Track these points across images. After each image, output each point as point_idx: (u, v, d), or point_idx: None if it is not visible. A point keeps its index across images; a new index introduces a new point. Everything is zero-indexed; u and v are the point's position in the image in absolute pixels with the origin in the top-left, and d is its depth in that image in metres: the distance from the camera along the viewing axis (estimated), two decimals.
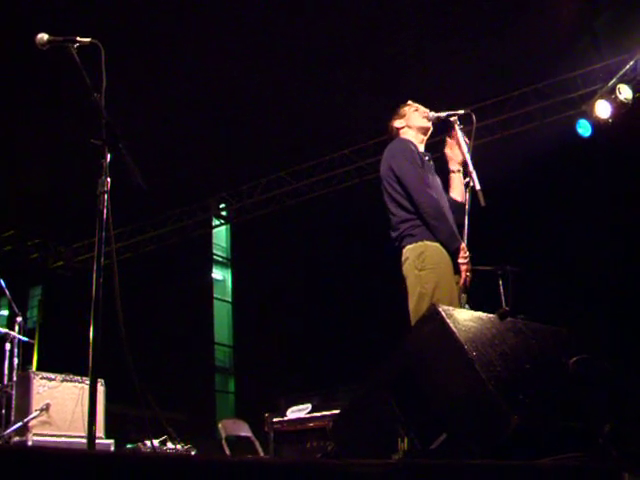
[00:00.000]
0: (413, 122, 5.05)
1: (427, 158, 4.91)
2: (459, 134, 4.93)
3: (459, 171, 5.05)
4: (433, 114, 5.03)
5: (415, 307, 4.39)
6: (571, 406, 3.29)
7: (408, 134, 5.02)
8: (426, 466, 1.86)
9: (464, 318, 3.32)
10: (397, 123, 5.08)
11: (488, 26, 9.19)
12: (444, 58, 9.63)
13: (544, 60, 9.70)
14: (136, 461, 1.28)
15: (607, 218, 9.84)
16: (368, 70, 9.45)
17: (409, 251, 4.56)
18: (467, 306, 7.54)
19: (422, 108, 5.09)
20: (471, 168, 4.73)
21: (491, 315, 3.60)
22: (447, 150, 5.08)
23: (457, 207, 4.90)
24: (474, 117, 4.84)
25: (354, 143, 11.58)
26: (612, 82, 9.13)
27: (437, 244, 4.49)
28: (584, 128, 9.67)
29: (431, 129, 5.09)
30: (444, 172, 5.10)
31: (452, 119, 4.98)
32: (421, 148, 4.99)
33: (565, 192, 10.10)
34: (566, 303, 9.43)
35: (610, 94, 9.19)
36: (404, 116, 5.08)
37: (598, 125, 9.44)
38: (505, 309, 3.67)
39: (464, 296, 4.52)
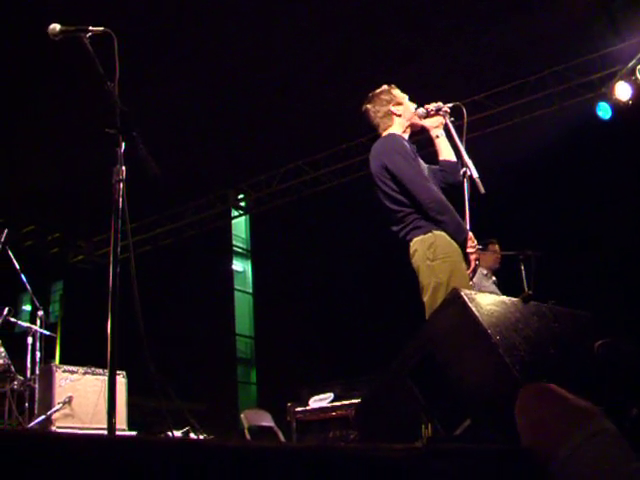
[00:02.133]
0: (409, 117, 4.98)
1: (413, 153, 4.85)
2: (450, 127, 4.90)
3: (441, 135, 4.98)
4: (422, 110, 4.97)
5: (430, 298, 4.34)
6: (596, 390, 3.24)
7: (398, 127, 4.91)
8: (451, 451, 1.82)
9: (487, 302, 3.28)
10: (396, 109, 4.93)
11: (505, 9, 9.10)
12: (462, 42, 9.56)
13: (562, 43, 9.61)
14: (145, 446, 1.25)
15: (628, 200, 9.75)
16: (385, 55, 9.40)
17: (417, 243, 4.50)
18: (494, 286, 7.50)
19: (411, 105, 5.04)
20: (466, 158, 4.69)
21: (514, 299, 3.55)
22: (423, 121, 5.01)
23: (450, 166, 4.88)
24: (464, 109, 4.81)
25: (371, 131, 11.50)
26: (632, 64, 9.04)
27: (445, 233, 4.45)
28: (604, 111, 9.58)
29: (419, 126, 5.04)
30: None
31: (441, 113, 4.93)
32: (406, 137, 4.93)
33: (586, 175, 10.01)
34: (589, 286, 9.35)
35: (630, 76, 9.11)
36: (402, 104, 4.96)
37: (618, 107, 9.36)
38: (529, 293, 3.62)
39: (494, 278, 4.50)
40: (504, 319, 3.21)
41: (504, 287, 7.55)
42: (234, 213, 14.39)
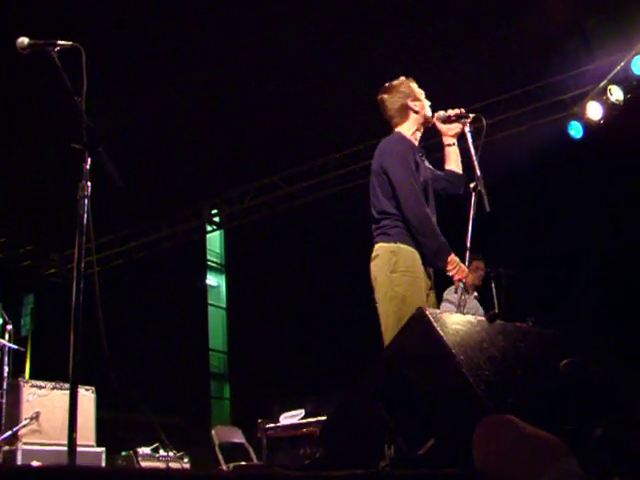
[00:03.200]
0: (426, 113, 4.93)
1: (420, 154, 4.83)
2: (468, 137, 4.86)
3: (454, 144, 4.98)
4: (443, 113, 4.93)
5: (384, 309, 4.34)
6: (562, 409, 3.25)
7: (412, 124, 4.88)
8: (400, 476, 1.82)
9: (452, 321, 3.28)
10: (414, 104, 4.88)
11: (478, 30, 9.16)
12: (434, 63, 9.60)
13: (534, 62, 9.69)
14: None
15: (600, 220, 9.82)
16: (358, 74, 9.42)
17: (381, 249, 4.50)
18: (475, 301, 7.51)
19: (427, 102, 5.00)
20: (479, 172, 4.64)
21: (480, 318, 3.56)
22: (439, 125, 4.98)
23: (455, 178, 4.89)
24: (484, 120, 4.79)
25: (346, 147, 11.55)
26: (603, 83, 9.12)
27: (411, 249, 4.44)
28: (576, 130, 9.65)
29: (431, 124, 5.01)
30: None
31: (462, 121, 4.91)
32: (418, 138, 4.90)
33: (557, 194, 10.08)
34: (558, 305, 9.40)
35: (601, 95, 9.18)
36: (419, 100, 4.91)
37: (590, 127, 9.43)
38: (494, 312, 3.64)
39: (476, 294, 4.48)
40: (469, 338, 3.22)
41: (480, 303, 7.58)
42: (208, 228, 14.34)
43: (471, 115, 4.91)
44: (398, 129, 4.89)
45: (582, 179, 9.77)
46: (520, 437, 1.98)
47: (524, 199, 10.34)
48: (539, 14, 8.74)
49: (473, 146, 4.79)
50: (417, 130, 4.90)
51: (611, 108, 9.11)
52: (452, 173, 4.92)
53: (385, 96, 4.95)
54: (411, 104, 4.87)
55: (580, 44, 9.49)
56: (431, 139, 5.31)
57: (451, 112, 4.91)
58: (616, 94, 9.02)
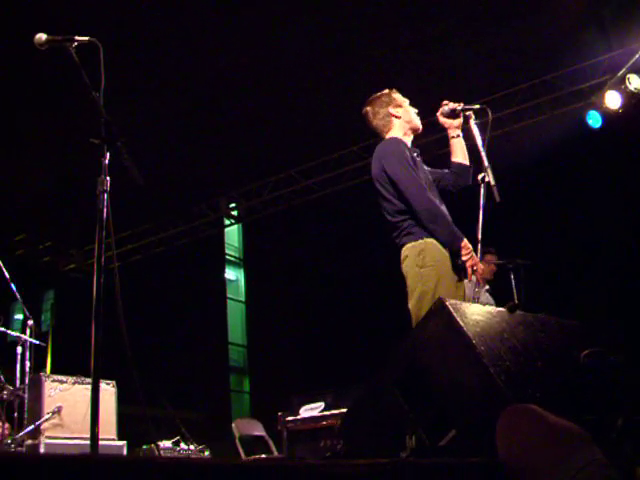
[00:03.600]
0: (410, 118, 4.98)
1: (416, 154, 4.85)
2: (474, 129, 4.87)
3: (458, 136, 5.00)
4: (447, 108, 4.96)
5: (415, 305, 4.37)
6: (583, 400, 3.24)
7: (398, 130, 4.93)
8: (423, 465, 1.82)
9: (472, 312, 3.27)
10: (395, 111, 4.94)
11: (495, 19, 9.12)
12: (451, 52, 9.57)
13: (552, 52, 9.63)
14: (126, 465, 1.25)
15: (618, 209, 9.76)
16: (374, 65, 9.41)
17: (408, 249, 4.53)
18: (487, 294, 7.50)
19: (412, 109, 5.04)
20: (486, 163, 4.66)
21: (500, 309, 3.55)
22: (442, 119, 5.01)
23: (463, 170, 4.90)
24: (490, 111, 4.79)
25: (363, 140, 11.53)
26: (621, 72, 9.06)
27: (436, 242, 4.46)
28: (594, 119, 9.60)
29: (420, 130, 5.05)
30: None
31: (467, 113, 4.92)
32: (409, 144, 4.93)
33: (576, 184, 10.03)
34: (577, 296, 9.36)
35: (620, 84, 9.13)
36: (401, 106, 4.97)
37: (608, 116, 9.38)
38: (514, 302, 3.63)
39: (488, 287, 4.49)
40: (489, 329, 3.21)
41: (493, 296, 7.56)
42: (226, 222, 14.37)
43: (476, 106, 4.92)
44: (387, 136, 4.95)
45: (600, 169, 9.72)
46: (543, 426, 1.98)
47: (543, 189, 10.30)
48: (557, 3, 8.69)
49: (480, 137, 4.80)
50: (405, 135, 4.94)
51: (630, 97, 9.05)
52: (459, 165, 4.94)
53: (368, 108, 5.05)
54: (392, 111, 4.94)
55: (598, 33, 9.43)
56: (429, 136, 5.30)
57: (453, 106, 4.93)
58: (635, 83, 8.96)
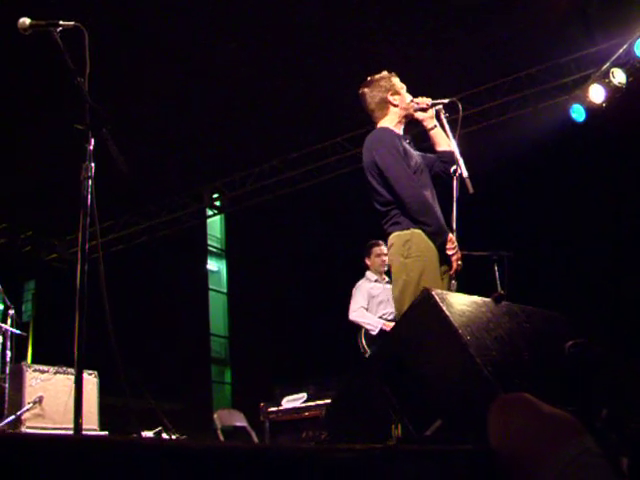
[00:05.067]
0: (405, 107, 4.97)
1: (407, 141, 4.86)
2: (445, 122, 4.90)
3: (435, 126, 5.00)
4: (416, 104, 4.97)
5: (399, 295, 4.39)
6: (567, 390, 3.25)
7: (393, 118, 4.93)
8: (413, 451, 1.81)
9: (458, 302, 3.27)
10: (393, 98, 4.94)
11: (480, 12, 9.12)
12: (436, 45, 9.57)
13: (537, 45, 9.65)
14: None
15: (602, 203, 9.81)
16: (359, 58, 9.38)
17: (395, 238, 4.55)
18: (388, 287, 7.54)
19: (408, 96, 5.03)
20: (458, 156, 4.70)
21: (486, 299, 3.55)
22: (418, 114, 5.01)
23: (449, 157, 4.87)
24: (460, 105, 4.80)
25: (347, 131, 11.53)
26: (605, 66, 9.09)
27: (423, 233, 4.47)
28: (578, 113, 9.63)
29: (414, 117, 5.05)
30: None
31: (437, 108, 4.94)
32: (401, 131, 4.93)
33: (559, 177, 10.06)
34: (561, 287, 9.40)
35: (604, 78, 9.15)
36: (399, 94, 4.96)
37: (592, 110, 9.40)
38: (500, 293, 3.63)
39: (454, 283, 4.51)
40: (475, 319, 3.21)
41: (477, 288, 7.56)
42: (209, 212, 14.32)
43: (445, 100, 4.93)
44: (380, 123, 4.96)
45: (584, 162, 9.75)
46: (537, 415, 1.97)
47: (526, 182, 10.32)
48: None
49: (450, 131, 4.81)
50: (399, 123, 4.97)
51: (613, 91, 9.08)
52: (445, 152, 4.94)
53: (365, 90, 5.03)
54: (390, 98, 4.94)
55: (582, 27, 9.45)
56: (420, 126, 5.29)
57: (421, 102, 4.93)
58: (618, 77, 8.99)
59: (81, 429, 2.89)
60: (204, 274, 19.81)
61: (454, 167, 4.69)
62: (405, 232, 4.49)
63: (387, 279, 7.74)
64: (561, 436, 1.88)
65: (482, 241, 7.70)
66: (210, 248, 20.46)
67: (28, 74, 8.96)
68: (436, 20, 9.22)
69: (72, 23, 3.52)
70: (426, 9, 9.06)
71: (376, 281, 7.85)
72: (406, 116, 4.97)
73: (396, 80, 5.02)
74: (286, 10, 8.88)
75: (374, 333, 7.26)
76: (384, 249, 7.68)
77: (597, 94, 9.22)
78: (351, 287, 8.19)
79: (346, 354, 8.17)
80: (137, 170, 3.46)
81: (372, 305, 7.68)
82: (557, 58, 9.98)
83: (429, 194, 4.70)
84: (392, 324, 7.09)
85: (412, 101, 4.97)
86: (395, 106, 4.93)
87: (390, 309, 7.41)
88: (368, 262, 8.00)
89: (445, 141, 4.96)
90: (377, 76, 5.04)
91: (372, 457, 1.46)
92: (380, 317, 7.48)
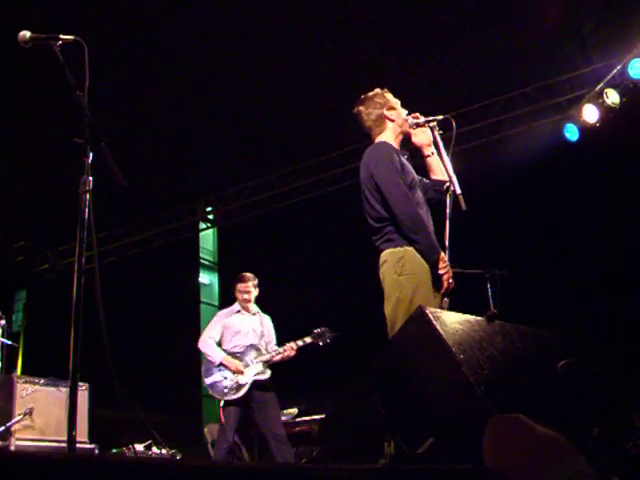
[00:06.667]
0: (401, 122, 4.99)
1: (405, 157, 4.87)
2: (438, 139, 4.91)
3: (433, 153, 5.01)
4: (411, 120, 4.99)
5: (392, 312, 4.37)
6: (559, 410, 3.26)
7: (390, 133, 4.95)
8: (412, 471, 1.82)
9: (451, 320, 3.28)
10: (389, 113, 4.96)
11: (476, 30, 9.17)
12: (431, 62, 9.61)
13: (532, 64, 9.70)
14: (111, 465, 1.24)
15: (595, 222, 9.83)
16: (354, 74, 9.41)
17: (387, 255, 4.53)
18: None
19: (403, 111, 5.06)
20: (451, 172, 4.69)
21: (479, 318, 3.56)
22: (414, 139, 5.04)
23: (440, 186, 4.86)
24: (454, 123, 4.81)
25: (342, 146, 11.55)
26: (599, 86, 9.15)
27: (415, 251, 4.47)
28: (571, 132, 9.68)
29: (410, 134, 5.06)
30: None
31: (431, 125, 4.95)
32: (398, 146, 4.95)
33: (552, 196, 10.09)
34: (554, 306, 9.41)
35: (597, 98, 9.21)
36: (394, 109, 4.99)
37: (585, 129, 9.46)
38: (493, 312, 3.65)
39: (446, 300, 4.51)
40: (468, 338, 3.22)
41: (470, 306, 7.56)
42: (202, 225, 14.33)
43: (439, 117, 4.95)
44: (378, 139, 4.97)
45: (577, 181, 9.78)
46: (531, 436, 1.99)
47: (519, 200, 10.35)
48: (537, 16, 8.76)
49: (444, 148, 4.83)
50: (396, 138, 4.98)
51: (607, 111, 9.13)
52: (438, 182, 4.94)
53: (361, 108, 5.05)
54: (387, 113, 4.96)
55: (577, 47, 9.51)
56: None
57: (420, 120, 4.96)
58: (612, 97, 9.04)
59: (75, 442, 2.88)
60: (196, 287, 19.77)
61: (447, 184, 4.70)
62: (398, 249, 4.48)
63: (253, 311, 8.14)
64: (555, 457, 1.89)
65: (475, 259, 7.73)
66: (202, 261, 20.43)
67: (26, 86, 8.96)
68: (430, 38, 9.26)
69: (72, 37, 3.54)
70: (420, 27, 9.10)
71: (238, 312, 7.99)
72: (402, 132, 4.99)
73: (389, 96, 5.04)
74: (282, 24, 8.92)
75: (216, 364, 7.63)
76: (249, 286, 7.85)
77: (591, 114, 9.27)
78: (344, 301, 8.26)
79: (338, 370, 8.17)
80: (131, 183, 3.46)
81: (227, 335, 7.95)
82: (551, 77, 10.03)
83: (423, 212, 4.71)
84: (232, 360, 7.51)
85: (408, 116, 5.00)
86: (392, 121, 4.95)
87: (244, 341, 7.83)
88: (236, 293, 8.20)
89: (441, 170, 4.95)
90: (370, 93, 5.05)
91: (370, 478, 1.47)
92: (233, 347, 7.78)
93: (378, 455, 3.03)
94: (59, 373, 6.88)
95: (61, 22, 4.50)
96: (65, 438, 6.29)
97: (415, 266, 4.43)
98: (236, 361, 7.51)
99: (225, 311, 8.13)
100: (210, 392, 7.56)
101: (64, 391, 6.96)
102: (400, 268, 4.43)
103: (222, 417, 7.30)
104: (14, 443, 6.38)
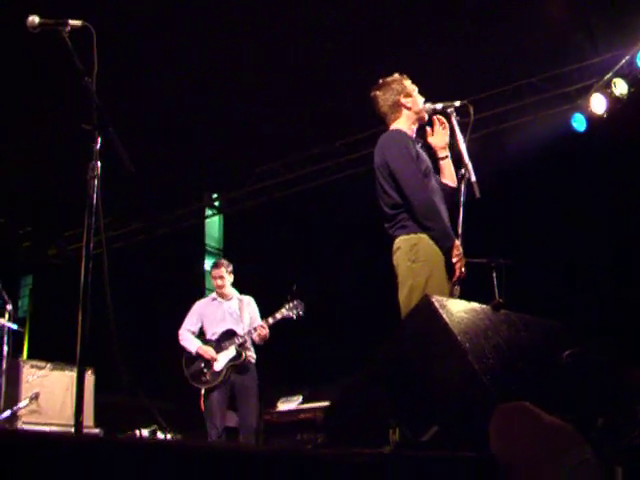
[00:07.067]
0: (419, 109, 4.98)
1: (420, 144, 4.87)
2: (455, 125, 4.89)
3: (447, 157, 5.02)
4: (429, 105, 4.98)
5: (406, 299, 4.37)
6: (564, 399, 3.27)
7: (405, 121, 4.93)
8: (417, 458, 1.83)
9: (457, 309, 3.29)
10: (406, 101, 4.94)
11: (483, 20, 9.14)
12: (438, 51, 9.57)
13: (539, 54, 9.65)
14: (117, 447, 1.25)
15: (601, 212, 9.82)
16: (360, 62, 9.38)
17: (401, 241, 4.53)
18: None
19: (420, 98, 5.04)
20: (467, 160, 4.69)
21: (485, 306, 3.57)
22: (430, 139, 5.04)
23: (449, 191, 4.89)
24: (471, 109, 4.81)
25: (347, 135, 11.54)
26: (608, 77, 9.10)
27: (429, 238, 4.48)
28: (579, 122, 9.65)
29: (426, 120, 5.06)
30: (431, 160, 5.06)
31: (449, 110, 4.93)
32: (414, 134, 4.95)
33: (559, 186, 10.06)
34: (559, 296, 9.40)
35: (605, 89, 9.17)
36: (411, 96, 4.97)
37: (593, 120, 9.43)
38: (499, 301, 3.64)
39: (457, 288, 4.51)
40: (474, 326, 3.23)
41: (475, 295, 7.55)
42: (208, 212, 14.34)
43: (457, 103, 4.93)
44: (393, 126, 4.95)
45: (585, 172, 9.76)
46: (538, 424, 1.99)
47: (526, 190, 10.33)
48: (545, 6, 8.72)
49: (461, 134, 4.82)
50: (412, 125, 4.97)
51: (615, 101, 9.10)
52: (447, 186, 4.95)
53: (378, 93, 5.03)
54: (403, 100, 4.94)
55: (585, 37, 9.47)
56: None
57: (437, 106, 4.95)
58: (620, 87, 9.01)
59: (82, 427, 2.90)
60: (201, 273, 19.80)
61: (462, 171, 4.70)
62: (412, 236, 4.48)
63: (230, 295, 8.26)
64: (561, 446, 1.90)
65: (481, 248, 7.73)
66: (208, 248, 20.45)
67: (34, 71, 8.96)
68: (437, 28, 9.22)
69: (80, 23, 3.54)
70: (427, 17, 9.06)
71: (214, 299, 8.04)
72: (419, 119, 4.98)
73: (407, 82, 5.01)
74: (285, 15, 8.90)
75: (193, 354, 7.79)
76: (221, 271, 7.88)
77: (599, 104, 9.23)
78: (347, 290, 8.28)
79: (342, 358, 8.18)
80: (138, 169, 3.46)
81: (206, 323, 8.04)
82: (559, 67, 9.97)
83: (438, 199, 4.70)
84: (206, 348, 7.62)
85: (429, 103, 4.99)
86: (408, 109, 4.93)
87: (221, 327, 7.88)
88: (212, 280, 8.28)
89: (451, 176, 4.96)
90: (389, 79, 5.03)
91: (378, 463, 1.48)
92: (212, 334, 7.86)
93: (383, 442, 3.04)
94: (65, 358, 6.91)
95: (70, 7, 4.49)
96: (70, 422, 6.34)
97: (429, 253, 4.43)
98: (209, 349, 7.58)
99: (202, 301, 8.23)
100: (191, 382, 7.64)
101: (69, 375, 7.01)
102: (414, 255, 4.43)
103: (202, 406, 7.38)
104: (20, 427, 6.42)
